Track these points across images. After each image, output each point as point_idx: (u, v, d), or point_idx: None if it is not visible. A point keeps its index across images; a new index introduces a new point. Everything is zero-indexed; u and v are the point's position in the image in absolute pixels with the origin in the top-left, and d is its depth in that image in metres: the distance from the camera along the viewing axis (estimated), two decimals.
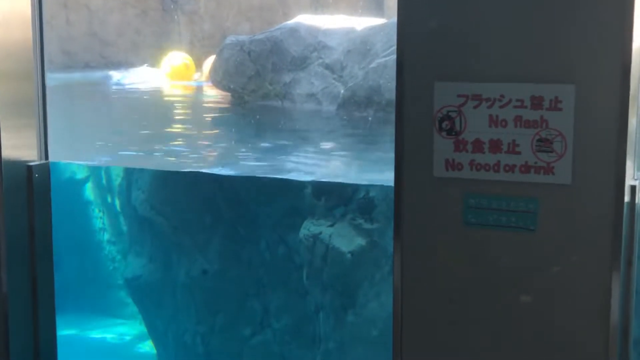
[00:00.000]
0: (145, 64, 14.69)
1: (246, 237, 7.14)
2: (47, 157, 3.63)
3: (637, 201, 2.74)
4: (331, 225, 6.18)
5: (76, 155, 8.08)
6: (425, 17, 2.79)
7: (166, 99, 12.40)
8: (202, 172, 6.90)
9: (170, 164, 7.39)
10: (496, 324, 2.82)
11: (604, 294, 2.70)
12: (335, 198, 6.15)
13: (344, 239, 6.05)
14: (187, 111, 11.17)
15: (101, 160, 8.32)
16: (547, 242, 2.71)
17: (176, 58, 14.01)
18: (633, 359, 3.03)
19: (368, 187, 5.98)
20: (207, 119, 10.44)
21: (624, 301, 2.74)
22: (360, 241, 6.01)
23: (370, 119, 8.30)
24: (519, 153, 2.70)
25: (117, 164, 7.93)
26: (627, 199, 2.67)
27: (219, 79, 10.69)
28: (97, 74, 14.10)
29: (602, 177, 2.65)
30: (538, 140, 2.67)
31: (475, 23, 2.73)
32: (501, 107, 2.71)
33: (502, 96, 2.70)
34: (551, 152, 2.67)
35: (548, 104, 2.65)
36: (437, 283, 2.88)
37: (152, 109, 11.22)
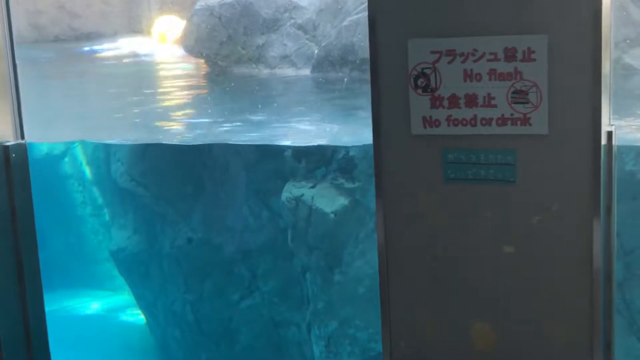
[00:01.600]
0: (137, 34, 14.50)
1: (229, 203, 7.15)
2: (22, 137, 3.60)
3: (614, 147, 2.75)
4: (313, 187, 6.19)
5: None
6: None
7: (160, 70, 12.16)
8: (181, 145, 6.88)
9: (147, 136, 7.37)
10: (480, 276, 2.85)
11: (585, 241, 2.73)
12: (315, 160, 6.16)
13: (326, 199, 6.07)
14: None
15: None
16: (527, 193, 2.74)
17: (165, 22, 13.86)
18: (616, 301, 3.08)
19: (348, 148, 5.99)
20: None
21: (606, 245, 2.77)
22: (342, 201, 6.03)
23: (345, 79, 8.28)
24: (495, 106, 2.71)
25: (92, 138, 7.88)
26: (604, 145, 2.69)
27: (191, 45, 10.59)
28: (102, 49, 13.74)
29: (578, 125, 2.66)
30: (513, 92, 2.68)
31: None
32: (475, 61, 2.71)
33: (475, 50, 2.70)
34: (527, 103, 2.67)
35: (521, 55, 2.65)
36: (420, 239, 2.90)
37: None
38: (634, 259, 5.01)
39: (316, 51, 9.20)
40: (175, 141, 7.12)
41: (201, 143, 6.82)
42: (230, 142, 6.65)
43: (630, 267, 5.00)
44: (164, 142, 6.91)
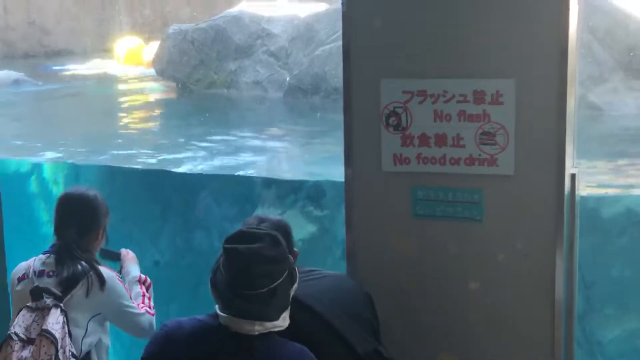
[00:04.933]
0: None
1: (197, 226, 7.16)
2: None
3: (577, 188, 2.85)
4: (282, 213, 6.24)
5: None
6: (370, 16, 2.86)
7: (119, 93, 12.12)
8: (152, 170, 6.88)
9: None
10: (446, 310, 2.92)
11: (548, 276, 2.82)
12: (284, 187, 6.21)
13: (295, 226, 6.11)
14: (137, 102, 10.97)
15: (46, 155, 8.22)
16: (493, 231, 2.82)
17: (126, 43, 13.85)
18: (577, 334, 3.17)
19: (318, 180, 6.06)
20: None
21: (568, 280, 2.86)
22: (310, 228, 6.08)
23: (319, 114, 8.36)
24: (463, 146, 2.80)
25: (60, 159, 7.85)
26: (567, 186, 2.78)
27: (163, 68, 10.62)
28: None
29: (543, 166, 2.76)
30: (481, 134, 2.77)
31: (418, 22, 2.81)
32: (445, 102, 2.80)
33: (446, 92, 2.79)
34: (494, 144, 2.77)
35: (490, 98, 2.75)
36: (388, 272, 2.97)
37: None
38: (594, 292, 5.12)
39: (288, 78, 9.29)
40: (139, 165, 7.12)
41: (171, 170, 6.84)
42: (198, 172, 6.69)
43: (590, 300, 5.11)
44: (132, 167, 6.91)
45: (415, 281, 2.93)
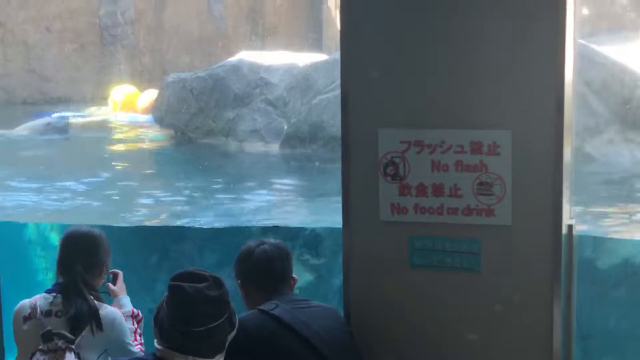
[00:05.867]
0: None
1: None
2: None
3: (574, 239, 2.86)
4: None
5: None
6: (368, 66, 2.90)
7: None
8: (145, 226, 6.91)
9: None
10: None
11: (546, 328, 2.81)
12: (281, 234, 6.21)
13: None
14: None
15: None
16: (491, 282, 2.82)
17: (122, 91, 13.95)
18: None
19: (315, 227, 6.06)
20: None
21: (565, 332, 2.85)
22: (307, 277, 6.07)
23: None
24: (460, 196, 2.81)
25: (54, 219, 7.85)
26: (565, 237, 2.79)
27: (162, 116, 10.67)
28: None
29: (540, 217, 2.77)
30: (479, 184, 2.79)
31: (416, 73, 2.84)
32: (442, 152, 2.82)
33: (443, 142, 2.81)
34: (491, 195, 2.78)
35: (487, 149, 2.77)
36: (385, 322, 2.96)
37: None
38: (591, 343, 5.10)
39: (285, 127, 9.33)
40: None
41: (165, 225, 6.86)
42: (196, 227, 6.70)
43: (587, 351, 5.08)
44: (127, 226, 6.93)
45: (412, 331, 2.92)
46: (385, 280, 2.94)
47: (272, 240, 3.13)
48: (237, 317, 2.61)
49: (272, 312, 2.84)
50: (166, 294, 2.57)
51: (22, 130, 11.75)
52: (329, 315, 2.95)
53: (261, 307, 2.90)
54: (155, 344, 2.55)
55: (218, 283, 2.56)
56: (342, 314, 3.04)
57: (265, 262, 3.01)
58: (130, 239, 6.53)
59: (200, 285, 2.52)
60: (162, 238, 6.68)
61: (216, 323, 2.50)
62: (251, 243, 3.10)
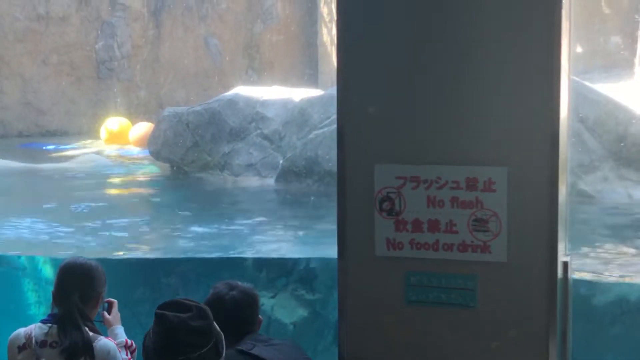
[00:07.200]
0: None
1: None
2: None
3: (569, 276, 2.86)
4: (273, 297, 6.21)
5: None
6: (364, 101, 2.91)
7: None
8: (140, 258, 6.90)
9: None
10: None
11: None
12: (276, 270, 6.20)
13: (286, 310, 6.08)
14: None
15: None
16: (486, 318, 2.81)
17: (113, 123, 13.98)
18: None
19: (309, 259, 6.05)
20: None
21: None
22: (302, 312, 6.05)
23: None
24: (456, 232, 2.81)
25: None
26: (560, 274, 2.79)
27: (158, 149, 10.69)
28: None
29: (536, 254, 2.77)
30: (474, 220, 2.79)
31: (412, 108, 2.86)
32: (438, 188, 2.83)
33: (439, 178, 2.82)
34: (487, 231, 2.78)
35: (482, 185, 2.78)
36: (381, 358, 2.95)
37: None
38: None
39: (281, 161, 9.36)
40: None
41: (161, 257, 6.86)
42: (190, 257, 6.70)
43: None
44: (123, 257, 6.93)
45: None
46: (381, 316, 2.92)
47: (241, 285, 3.29)
48: (224, 346, 2.64)
49: (251, 351, 3.02)
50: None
51: None
52: (296, 350, 3.21)
53: (238, 347, 3.07)
54: None
55: (203, 313, 2.61)
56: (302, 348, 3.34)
57: (235, 311, 3.21)
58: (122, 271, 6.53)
59: (183, 315, 2.57)
60: (153, 267, 6.67)
61: (199, 352, 2.54)
62: (221, 288, 3.25)
